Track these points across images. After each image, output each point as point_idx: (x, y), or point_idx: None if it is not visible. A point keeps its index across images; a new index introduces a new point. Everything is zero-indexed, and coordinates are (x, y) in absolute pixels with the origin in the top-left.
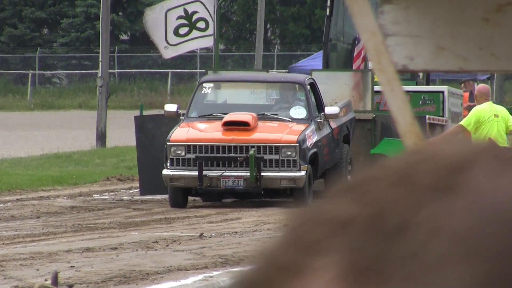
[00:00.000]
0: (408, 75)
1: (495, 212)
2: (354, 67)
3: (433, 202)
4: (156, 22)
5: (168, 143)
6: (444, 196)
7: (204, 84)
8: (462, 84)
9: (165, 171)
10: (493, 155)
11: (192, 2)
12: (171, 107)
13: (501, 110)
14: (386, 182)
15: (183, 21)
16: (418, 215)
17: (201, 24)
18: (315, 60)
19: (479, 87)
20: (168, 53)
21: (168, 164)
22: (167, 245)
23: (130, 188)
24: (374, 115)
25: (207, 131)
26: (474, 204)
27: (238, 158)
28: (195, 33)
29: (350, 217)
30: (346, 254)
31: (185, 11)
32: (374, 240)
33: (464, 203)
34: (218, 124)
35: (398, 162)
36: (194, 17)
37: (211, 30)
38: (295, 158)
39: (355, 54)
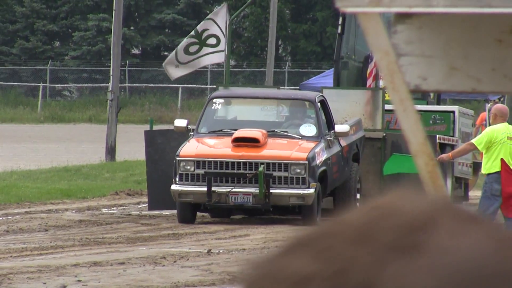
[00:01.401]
0: (419, 95)
1: (458, 272)
2: (367, 86)
3: (396, 261)
4: (171, 54)
5: (177, 158)
6: (407, 255)
7: (214, 100)
8: (490, 104)
9: (173, 186)
10: (452, 213)
11: (203, 20)
12: (180, 122)
13: None
14: (347, 238)
15: (193, 39)
16: (382, 274)
17: (211, 41)
18: (326, 77)
19: (499, 106)
20: (177, 72)
21: (177, 179)
22: (175, 261)
23: (138, 203)
24: (384, 134)
25: (216, 147)
26: (437, 264)
27: (247, 175)
28: (205, 49)
29: (311, 274)
30: None
31: (195, 30)
32: None
33: (427, 263)
34: (227, 140)
35: (357, 218)
36: (204, 34)
37: (222, 45)
38: (304, 175)
39: (368, 72)
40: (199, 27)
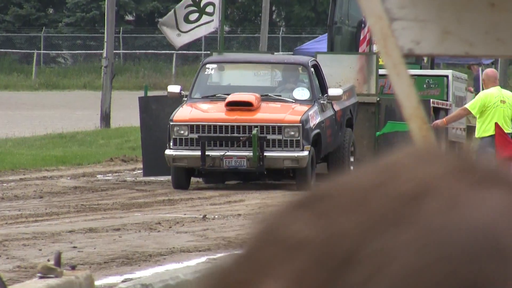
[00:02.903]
0: (412, 59)
1: (442, 250)
2: (360, 51)
3: (382, 234)
4: (168, 16)
5: (171, 123)
6: (394, 229)
7: (207, 65)
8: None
9: (167, 151)
10: (455, 178)
11: None
12: (174, 88)
13: (509, 95)
14: (343, 204)
15: (192, 8)
16: (368, 247)
17: (209, 9)
18: (320, 43)
19: (487, 71)
20: (181, 40)
21: (171, 144)
22: (170, 227)
23: (133, 169)
24: (378, 99)
25: (210, 111)
26: (421, 240)
27: (241, 138)
28: (205, 18)
29: (304, 239)
30: (292, 281)
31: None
32: (322, 269)
33: (412, 238)
34: (221, 105)
35: (357, 181)
36: (203, 2)
37: (217, 12)
38: (298, 138)
39: (361, 38)
40: None
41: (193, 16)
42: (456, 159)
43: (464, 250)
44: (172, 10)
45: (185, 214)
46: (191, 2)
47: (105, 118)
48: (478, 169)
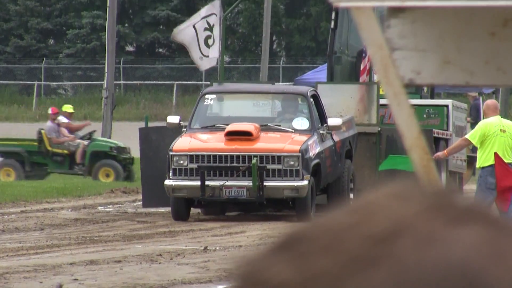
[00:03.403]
0: (412, 88)
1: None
2: (360, 81)
3: (359, 274)
4: (189, 36)
5: (170, 153)
6: (370, 268)
7: (206, 96)
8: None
9: (167, 181)
10: (430, 216)
11: (209, 15)
12: (173, 119)
13: (509, 125)
14: (321, 245)
15: (209, 32)
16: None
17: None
18: (321, 72)
19: (488, 102)
20: (204, 64)
21: (171, 174)
22: (171, 258)
23: (134, 201)
24: (379, 128)
25: (209, 141)
26: (396, 279)
27: (241, 168)
28: (216, 45)
29: (283, 282)
30: None
31: (208, 23)
32: None
33: (387, 277)
34: (220, 134)
35: (335, 222)
36: (214, 30)
37: (217, 42)
38: (298, 167)
39: (361, 67)
40: (210, 21)
41: (211, 42)
42: (431, 197)
43: (440, 287)
44: (189, 26)
45: (186, 246)
46: (207, 26)
47: None
48: (453, 207)
